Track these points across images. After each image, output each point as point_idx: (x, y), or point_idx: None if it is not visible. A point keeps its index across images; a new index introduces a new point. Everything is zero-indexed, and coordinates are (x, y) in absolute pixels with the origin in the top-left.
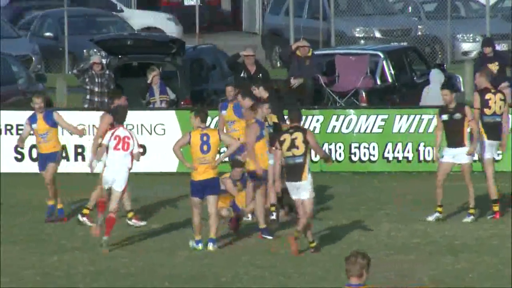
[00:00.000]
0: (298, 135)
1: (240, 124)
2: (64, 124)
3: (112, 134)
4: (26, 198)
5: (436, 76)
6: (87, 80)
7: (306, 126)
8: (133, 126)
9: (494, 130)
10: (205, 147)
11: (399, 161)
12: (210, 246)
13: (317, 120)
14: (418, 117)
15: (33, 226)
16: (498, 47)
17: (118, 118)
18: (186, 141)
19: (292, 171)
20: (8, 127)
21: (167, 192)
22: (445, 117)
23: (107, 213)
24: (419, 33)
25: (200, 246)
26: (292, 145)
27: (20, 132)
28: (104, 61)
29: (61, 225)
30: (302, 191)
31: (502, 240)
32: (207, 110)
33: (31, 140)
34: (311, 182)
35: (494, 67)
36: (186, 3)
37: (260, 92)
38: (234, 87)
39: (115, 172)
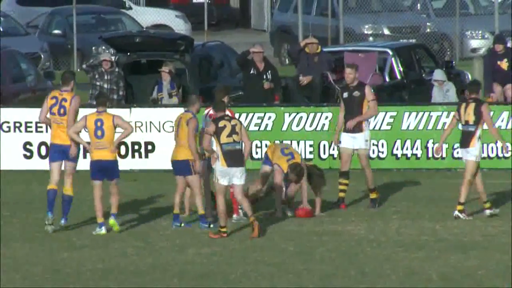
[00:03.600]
0: (237, 122)
1: None
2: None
3: (207, 113)
4: (35, 195)
5: (441, 76)
6: (96, 76)
7: (315, 123)
8: (142, 123)
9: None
10: (99, 132)
11: (408, 158)
12: (112, 218)
13: (326, 117)
14: (427, 114)
15: (44, 223)
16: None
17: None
18: (82, 126)
19: (234, 157)
20: (17, 125)
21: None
22: None
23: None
24: (428, 30)
25: (103, 229)
26: (233, 131)
27: (28, 129)
28: (113, 58)
29: (70, 222)
30: (241, 175)
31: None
32: (106, 96)
33: (40, 137)
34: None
35: (504, 64)
36: (194, 0)
37: None
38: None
39: None
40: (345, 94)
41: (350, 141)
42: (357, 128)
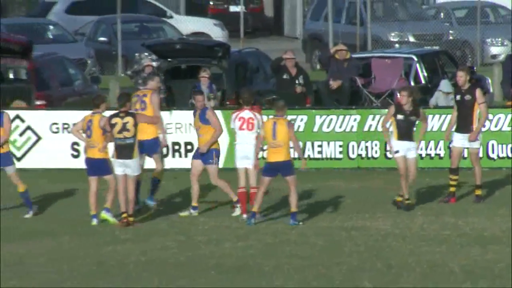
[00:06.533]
0: (130, 120)
1: None
2: None
3: (237, 116)
4: (83, 192)
5: (447, 88)
6: (140, 81)
7: (344, 125)
8: (182, 125)
9: None
10: (88, 132)
11: (431, 158)
12: (103, 212)
13: (355, 120)
14: (449, 116)
15: (90, 218)
16: None
17: (244, 101)
18: (81, 126)
19: (123, 151)
20: (65, 126)
21: (214, 188)
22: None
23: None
24: (451, 37)
25: (94, 221)
26: (123, 128)
27: None
28: (154, 64)
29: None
30: (132, 168)
31: None
32: (104, 96)
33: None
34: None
35: None
36: (231, 9)
37: None
38: None
39: (244, 150)
40: (458, 97)
41: (461, 141)
42: (468, 129)
